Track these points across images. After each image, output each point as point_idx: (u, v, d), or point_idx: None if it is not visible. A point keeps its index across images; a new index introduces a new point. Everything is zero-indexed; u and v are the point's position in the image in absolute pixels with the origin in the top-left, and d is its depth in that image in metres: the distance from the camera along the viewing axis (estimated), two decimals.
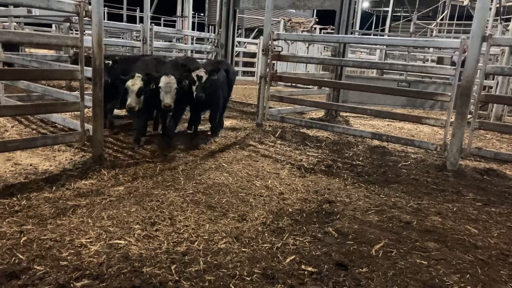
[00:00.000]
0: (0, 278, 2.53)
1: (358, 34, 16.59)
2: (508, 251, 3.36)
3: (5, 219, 3.29)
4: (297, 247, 3.21)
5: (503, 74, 8.50)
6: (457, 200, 4.52)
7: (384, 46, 13.83)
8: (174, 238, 3.22)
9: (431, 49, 14.44)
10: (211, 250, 3.09)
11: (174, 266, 2.82)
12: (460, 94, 5.44)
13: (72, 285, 2.53)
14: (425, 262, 3.08)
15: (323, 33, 15.98)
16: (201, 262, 2.89)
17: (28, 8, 5.00)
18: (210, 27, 21.08)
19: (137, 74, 5.40)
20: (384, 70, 11.98)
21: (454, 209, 4.22)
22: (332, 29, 16.43)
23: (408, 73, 10.81)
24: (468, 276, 2.94)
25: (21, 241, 3.00)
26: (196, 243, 3.17)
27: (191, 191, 4.21)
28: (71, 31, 10.64)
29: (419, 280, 2.84)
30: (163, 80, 5.49)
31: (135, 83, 5.35)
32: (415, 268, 2.98)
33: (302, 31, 16.96)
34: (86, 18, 4.46)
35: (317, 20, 18.81)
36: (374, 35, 19.74)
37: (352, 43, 10.26)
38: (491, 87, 9.86)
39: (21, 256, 2.78)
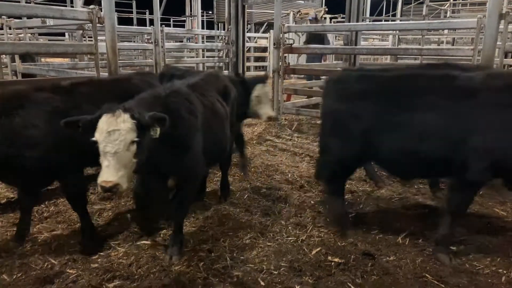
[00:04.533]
0: (34, 283, 2.61)
1: (369, 21, 16.29)
2: None
3: (35, 225, 3.39)
4: (322, 239, 3.21)
5: None
6: None
7: (397, 31, 13.57)
8: (199, 236, 3.25)
9: (445, 31, 14.09)
10: (237, 246, 3.11)
11: (202, 263, 2.85)
12: None
13: (104, 286, 2.59)
14: (453, 248, 3.03)
15: (333, 22, 15.78)
16: (228, 258, 2.92)
17: (43, 18, 5.10)
18: (219, 24, 21.10)
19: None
20: (398, 56, 11.76)
21: (480, 192, 4.13)
22: (342, 18, 16.22)
23: (424, 57, 10.61)
24: (498, 259, 2.89)
25: (53, 246, 3.08)
26: (221, 240, 3.20)
27: (211, 189, 4.24)
28: (84, 39, 10.81)
29: (449, 266, 2.80)
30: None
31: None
32: (445, 255, 2.94)
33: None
34: (99, 25, 4.53)
35: (326, 9, 18.59)
36: (385, 20, 19.39)
37: (364, 31, 10.09)
38: None
39: (53, 261, 2.86)
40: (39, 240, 3.16)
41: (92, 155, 2.34)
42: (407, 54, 10.91)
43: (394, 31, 13.68)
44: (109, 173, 2.23)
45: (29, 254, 2.94)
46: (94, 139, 2.28)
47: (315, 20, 11.02)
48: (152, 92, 2.79)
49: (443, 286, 2.60)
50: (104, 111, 2.31)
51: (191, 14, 17.07)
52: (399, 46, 13.29)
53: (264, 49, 15.94)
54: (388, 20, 18.97)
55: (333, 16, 19.65)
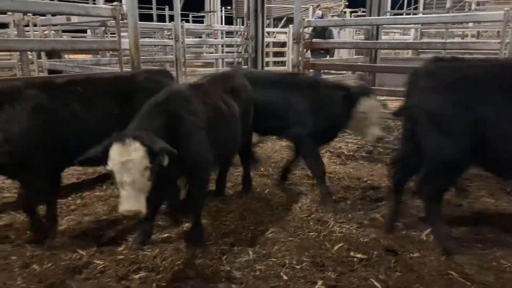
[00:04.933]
0: (64, 273, 2.70)
1: (390, 15, 16.02)
2: None
3: (63, 217, 3.49)
4: (344, 235, 3.20)
5: None
6: None
7: (419, 25, 13.31)
8: (221, 230, 3.29)
9: (470, 24, 13.72)
10: (259, 240, 3.14)
11: (225, 257, 2.89)
12: None
13: (130, 277, 2.66)
14: (479, 245, 2.98)
15: (353, 17, 15.56)
16: (250, 252, 2.94)
17: (68, 16, 5.22)
18: (238, 20, 21.10)
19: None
20: (420, 50, 11.53)
21: (508, 190, 4.03)
22: (363, 12, 15.97)
23: (447, 51, 10.37)
24: None
25: (80, 238, 3.17)
26: (243, 234, 3.23)
27: (232, 184, 4.27)
28: (106, 35, 11.00)
29: (475, 264, 2.75)
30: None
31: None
32: (470, 252, 2.89)
33: (332, 16, 16.62)
34: (122, 21, 4.60)
35: (346, 3, 18.32)
36: (407, 14, 19.02)
37: (385, 25, 9.92)
38: None
39: (81, 252, 2.94)
40: (67, 232, 3.25)
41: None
42: (430, 48, 10.69)
43: (416, 25, 13.43)
44: (130, 202, 2.28)
45: (58, 245, 3.03)
46: (108, 168, 2.32)
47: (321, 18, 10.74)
48: (153, 100, 2.77)
49: (469, 284, 2.56)
50: (114, 140, 2.33)
51: (210, 9, 17.13)
52: (422, 40, 13.03)
53: (283, 44, 15.84)
54: (409, 14, 18.60)
55: (353, 10, 19.41)
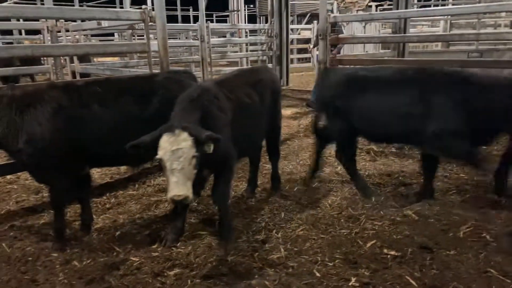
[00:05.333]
0: (103, 269, 2.80)
1: (418, 7, 15.58)
2: None
3: (99, 215, 3.61)
4: (376, 232, 3.16)
5: None
6: None
7: (449, 16, 12.88)
8: (252, 227, 3.32)
9: (503, 14, 13.17)
10: (290, 237, 3.15)
11: (257, 253, 2.91)
12: None
13: (165, 274, 2.72)
14: None
15: (379, 10, 15.24)
16: (282, 249, 2.95)
17: (99, 21, 5.38)
18: (261, 18, 21.10)
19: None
20: (450, 42, 11.17)
21: None
22: (389, 5, 15.64)
23: (480, 42, 10.00)
24: None
25: (116, 235, 3.28)
26: (274, 231, 3.24)
27: (261, 182, 4.29)
28: (133, 38, 11.24)
29: None
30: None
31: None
32: (509, 249, 2.80)
33: (357, 10, 16.37)
34: (151, 24, 4.70)
35: None
36: (435, 5, 18.47)
37: (414, 17, 9.67)
38: None
39: (118, 249, 3.04)
40: (104, 229, 3.37)
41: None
42: (462, 40, 10.34)
43: (446, 16, 13.00)
44: (179, 187, 2.45)
45: (96, 242, 3.15)
46: (158, 157, 2.49)
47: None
48: (187, 96, 2.89)
49: (509, 281, 2.48)
50: (164, 131, 2.51)
51: (234, 8, 17.20)
52: (453, 32, 12.62)
53: (307, 41, 15.75)
54: (438, 5, 18.03)
55: (379, 3, 19.01)
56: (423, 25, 16.67)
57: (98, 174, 4.72)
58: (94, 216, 3.48)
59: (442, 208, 3.47)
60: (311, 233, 3.19)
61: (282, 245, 3.02)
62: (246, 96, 3.33)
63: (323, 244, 3.02)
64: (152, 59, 4.92)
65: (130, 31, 9.98)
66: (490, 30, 13.29)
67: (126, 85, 3.43)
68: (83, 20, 7.14)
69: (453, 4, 15.93)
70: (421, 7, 16.88)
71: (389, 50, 9.18)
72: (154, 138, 2.52)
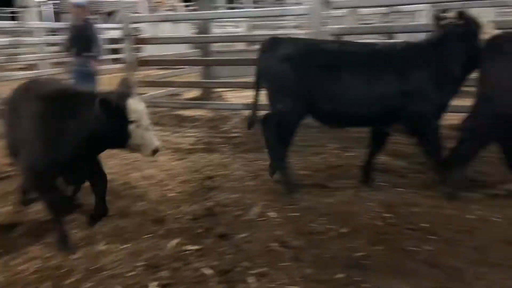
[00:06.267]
0: None
1: (225, 8, 16.73)
2: None
3: None
4: (180, 229, 3.24)
5: None
6: (323, 151, 4.97)
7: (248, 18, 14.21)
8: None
9: (289, 17, 15.31)
10: (91, 255, 2.93)
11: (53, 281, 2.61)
12: None
13: None
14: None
15: (187, 11, 15.75)
16: (82, 270, 2.73)
17: None
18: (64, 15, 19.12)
19: None
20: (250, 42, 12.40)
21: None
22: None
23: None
24: None
25: None
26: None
27: None
28: None
29: (292, 232, 3.11)
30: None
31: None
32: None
33: (166, 10, 16.49)
34: None
35: None
36: (239, 8, 20.15)
37: (215, 19, 10.27)
38: None
39: None
40: None
41: None
42: (260, 40, 11.57)
43: (246, 18, 14.31)
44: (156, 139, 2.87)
45: None
46: (134, 119, 2.74)
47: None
48: None
49: (286, 250, 2.88)
50: (124, 96, 2.78)
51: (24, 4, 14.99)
52: (253, 33, 13.97)
53: (116, 41, 15.05)
54: (240, 8, 19.65)
55: (188, 4, 19.57)
56: (227, 26, 17.94)
57: None
58: None
59: (240, 194, 3.80)
60: (113, 246, 3.04)
61: (82, 266, 2.80)
62: None
63: (125, 254, 2.91)
64: None
65: None
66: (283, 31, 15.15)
67: None
68: None
69: (254, 8, 17.68)
70: (228, 9, 18.18)
71: (198, 50, 9.57)
72: (120, 106, 2.69)
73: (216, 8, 15.68)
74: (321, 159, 4.72)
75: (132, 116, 2.72)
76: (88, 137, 2.81)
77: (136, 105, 2.75)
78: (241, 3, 22.78)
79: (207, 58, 8.11)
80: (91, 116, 2.72)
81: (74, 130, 2.81)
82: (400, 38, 7.47)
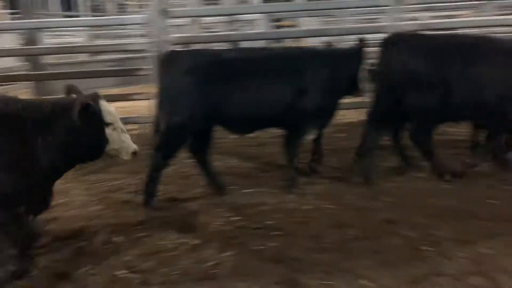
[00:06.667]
0: None
1: (62, 17, 15.09)
2: None
3: None
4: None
5: None
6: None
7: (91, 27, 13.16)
8: None
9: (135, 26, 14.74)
10: None
11: None
12: None
13: None
14: None
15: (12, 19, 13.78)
16: None
17: None
18: None
19: None
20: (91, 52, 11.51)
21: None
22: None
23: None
24: None
25: None
26: None
27: None
28: None
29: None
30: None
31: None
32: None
33: None
34: None
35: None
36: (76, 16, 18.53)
37: (42, 28, 9.17)
38: None
39: None
40: None
41: None
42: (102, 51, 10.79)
43: (88, 27, 13.21)
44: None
45: None
46: (110, 121, 2.57)
47: None
48: None
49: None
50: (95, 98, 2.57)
51: None
52: (95, 42, 13.02)
53: None
54: (78, 16, 18.16)
55: (16, 11, 17.09)
56: (65, 35, 16.39)
57: None
58: None
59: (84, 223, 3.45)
60: None
61: None
62: None
63: None
64: None
65: None
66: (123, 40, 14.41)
67: None
68: None
69: (92, 16, 16.46)
70: (64, 17, 16.50)
71: (24, 63, 8.42)
72: (95, 111, 2.50)
73: (48, 16, 14.14)
74: (172, 171, 4.61)
75: (108, 119, 2.55)
76: (62, 150, 2.52)
77: (109, 107, 2.59)
78: (78, 12, 21.05)
79: (37, 73, 7.22)
80: (65, 125, 2.48)
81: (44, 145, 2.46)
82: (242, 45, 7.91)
